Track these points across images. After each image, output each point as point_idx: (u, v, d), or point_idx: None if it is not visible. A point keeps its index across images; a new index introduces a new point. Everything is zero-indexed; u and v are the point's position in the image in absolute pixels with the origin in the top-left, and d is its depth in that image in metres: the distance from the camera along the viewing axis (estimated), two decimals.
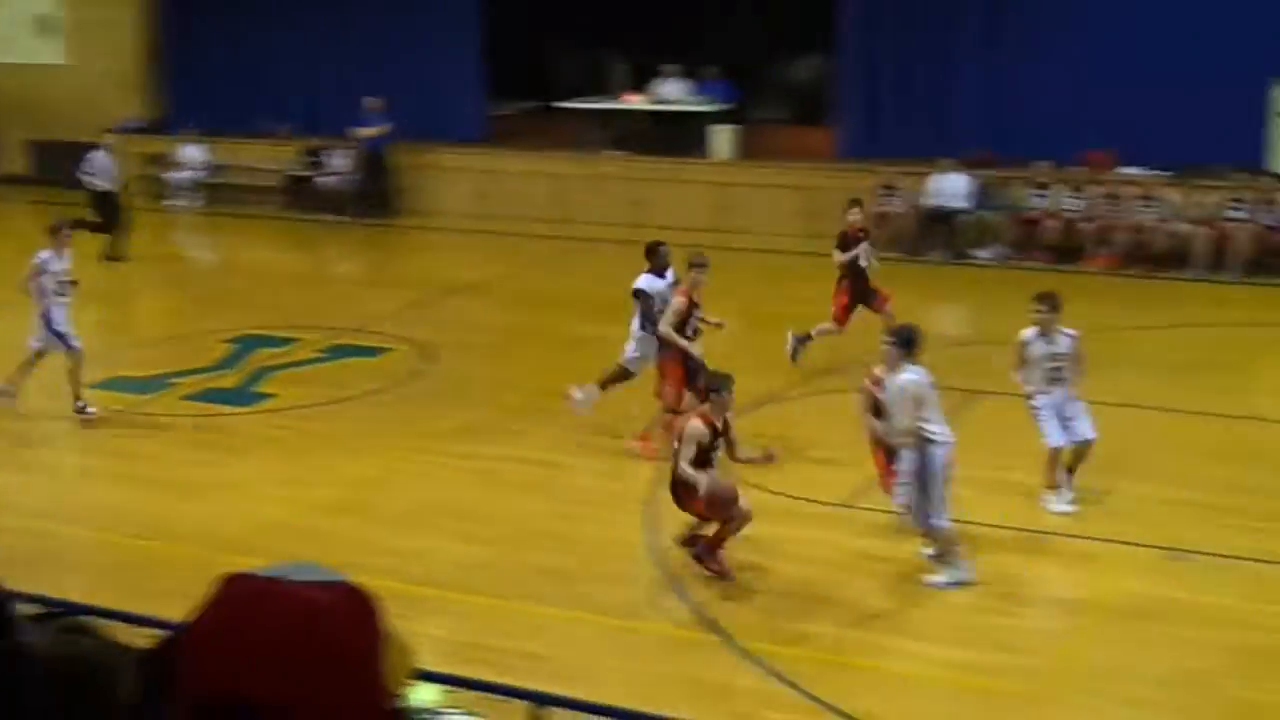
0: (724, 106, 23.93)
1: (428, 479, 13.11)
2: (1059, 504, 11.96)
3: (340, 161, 25.29)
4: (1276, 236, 19.99)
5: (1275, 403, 13.15)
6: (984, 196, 21.57)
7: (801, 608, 10.38)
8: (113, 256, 21.26)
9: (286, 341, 17.39)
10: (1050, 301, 12.05)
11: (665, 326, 13.29)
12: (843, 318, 15.88)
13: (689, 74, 24.25)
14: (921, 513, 10.58)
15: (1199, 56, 21.32)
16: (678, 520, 11.88)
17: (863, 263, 15.93)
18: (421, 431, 14.25)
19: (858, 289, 15.93)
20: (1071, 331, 12.04)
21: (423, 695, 7.28)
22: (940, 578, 10.60)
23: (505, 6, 24.82)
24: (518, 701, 6.93)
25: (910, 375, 10.65)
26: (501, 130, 25.99)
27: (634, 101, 24.48)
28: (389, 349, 17.25)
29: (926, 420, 10.54)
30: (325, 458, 13.58)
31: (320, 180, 25.46)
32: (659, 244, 14.32)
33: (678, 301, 13.39)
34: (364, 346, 17.31)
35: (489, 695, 7.09)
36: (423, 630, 8.89)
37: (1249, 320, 17.23)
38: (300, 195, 25.56)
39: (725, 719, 8.96)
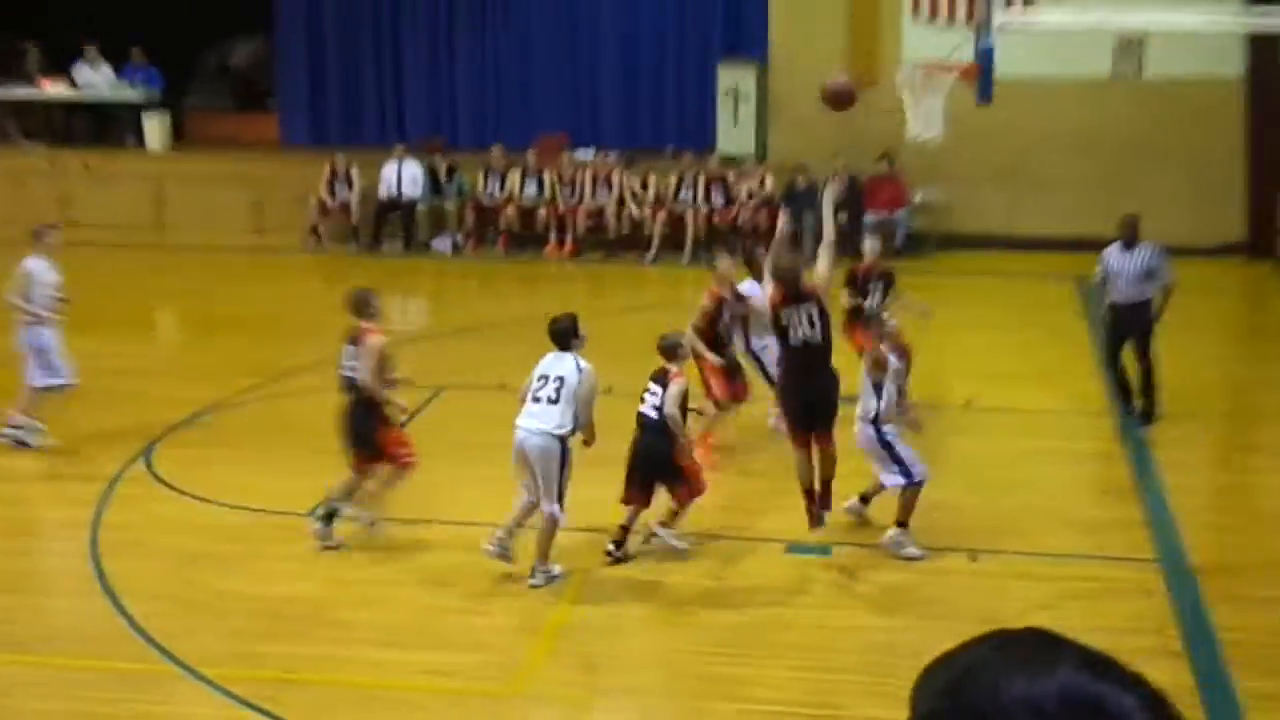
0: (153, 93, 23.27)
1: None
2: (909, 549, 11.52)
3: None
4: (725, 217, 21.27)
5: None
6: (438, 184, 21.87)
7: (261, 628, 10.25)
8: None
9: None
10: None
11: (691, 332, 13.22)
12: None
13: (112, 58, 23.41)
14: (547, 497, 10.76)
15: (647, 40, 22.49)
16: (128, 549, 11.50)
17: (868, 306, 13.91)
18: None
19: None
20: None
21: None
22: (538, 579, 10.83)
23: None
24: None
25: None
26: None
27: (52, 89, 23.40)
28: None
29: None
30: None
31: None
32: (758, 247, 14.43)
33: (706, 304, 13.51)
34: None
35: None
36: None
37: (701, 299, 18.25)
38: None
39: None
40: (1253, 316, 18.55)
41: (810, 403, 11.18)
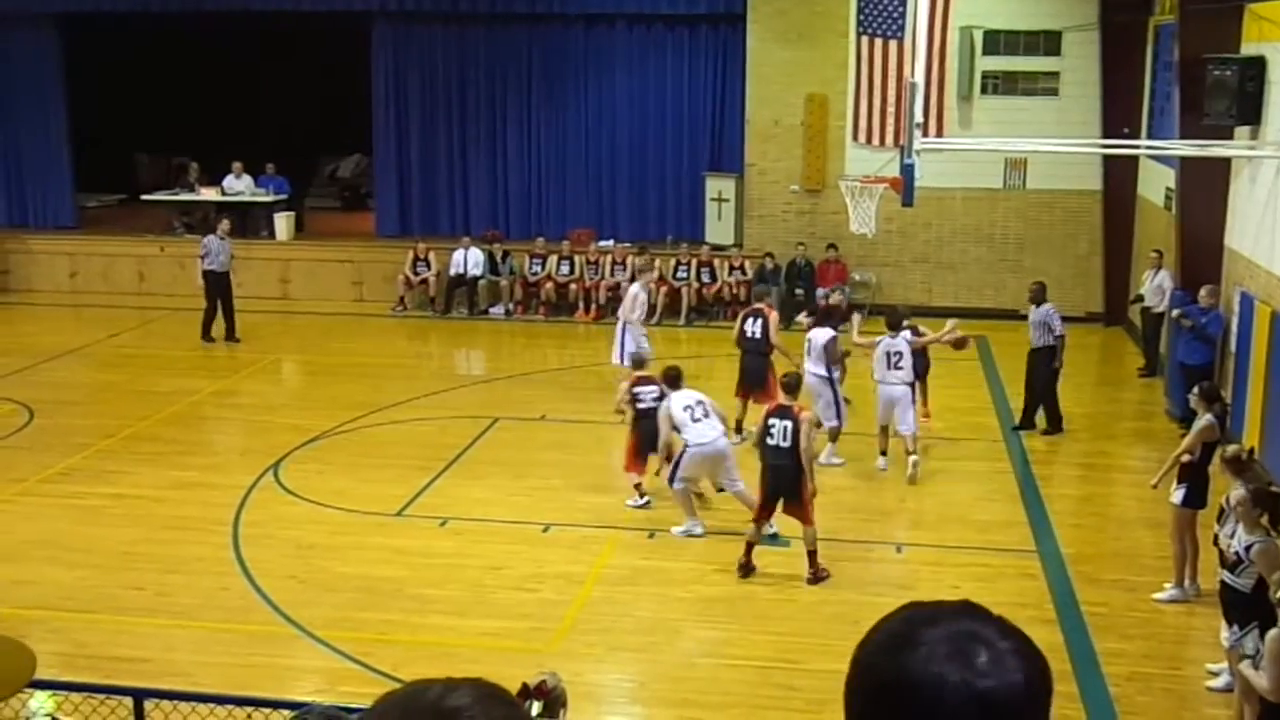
0: (281, 197, 23.44)
1: (33, 519, 12.15)
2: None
3: None
4: (710, 291, 21.33)
5: None
6: (495, 265, 21.94)
7: (360, 600, 10.29)
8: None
9: None
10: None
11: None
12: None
13: (252, 171, 23.59)
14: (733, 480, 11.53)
15: (654, 158, 22.59)
16: (260, 540, 11.55)
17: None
18: (25, 478, 13.21)
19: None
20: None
21: (38, 702, 6.81)
22: (679, 529, 11.60)
23: (91, 118, 23.95)
24: (127, 700, 6.56)
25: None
26: (91, 218, 24.52)
27: (207, 194, 23.57)
28: None
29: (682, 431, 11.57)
30: None
31: None
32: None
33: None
34: None
35: (95, 695, 6.68)
36: (35, 647, 8.24)
37: (694, 354, 18.32)
38: None
39: (306, 694, 8.77)
40: (1108, 369, 18.55)
41: (775, 491, 10.69)
